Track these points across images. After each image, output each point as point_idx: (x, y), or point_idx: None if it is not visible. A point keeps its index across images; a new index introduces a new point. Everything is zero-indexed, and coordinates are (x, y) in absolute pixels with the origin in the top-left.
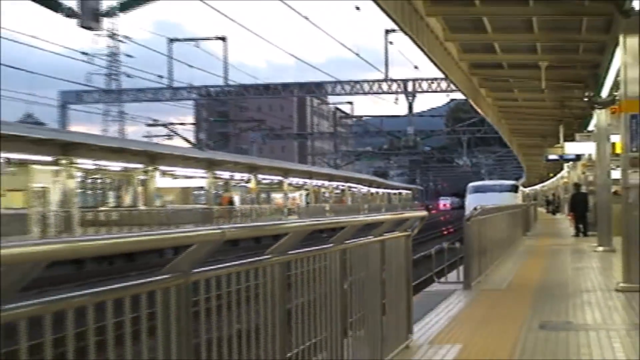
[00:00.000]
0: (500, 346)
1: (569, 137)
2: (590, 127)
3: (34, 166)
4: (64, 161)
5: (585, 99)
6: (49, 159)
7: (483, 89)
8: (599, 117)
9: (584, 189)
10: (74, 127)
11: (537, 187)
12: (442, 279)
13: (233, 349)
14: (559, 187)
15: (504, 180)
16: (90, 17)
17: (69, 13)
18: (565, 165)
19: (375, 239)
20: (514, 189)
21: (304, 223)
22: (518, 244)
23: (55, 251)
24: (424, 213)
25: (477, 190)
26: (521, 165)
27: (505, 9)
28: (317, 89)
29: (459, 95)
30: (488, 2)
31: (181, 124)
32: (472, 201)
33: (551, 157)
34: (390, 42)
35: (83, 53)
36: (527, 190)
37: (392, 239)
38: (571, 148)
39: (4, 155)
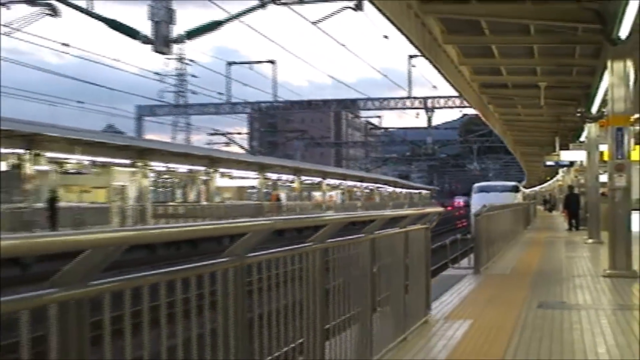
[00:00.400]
0: (505, 321)
1: (564, 147)
2: (582, 138)
3: (115, 168)
4: (139, 164)
5: (578, 114)
6: (127, 161)
7: (491, 105)
8: (590, 130)
9: (576, 191)
10: (148, 136)
11: (537, 188)
12: (456, 265)
13: (280, 323)
14: (555, 188)
15: (506, 181)
16: (162, 43)
17: (145, 40)
18: (560, 170)
19: (400, 230)
20: (515, 189)
21: (340, 216)
22: (520, 236)
23: (131, 237)
24: (440, 209)
25: (482, 190)
26: (523, 169)
27: (510, 38)
28: (351, 104)
29: (470, 111)
30: (496, 33)
31: (237, 133)
32: (476, 200)
33: (548, 163)
34: (413, 65)
35: (156, 73)
36: (527, 191)
37: (414, 231)
38: (566, 156)
39: (91, 158)
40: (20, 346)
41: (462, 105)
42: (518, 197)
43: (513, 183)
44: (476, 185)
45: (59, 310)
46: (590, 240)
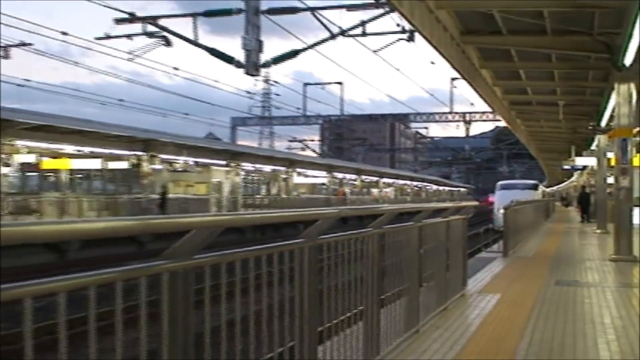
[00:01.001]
0: (527, 296)
1: (578, 154)
2: (593, 147)
3: (213, 167)
4: (232, 164)
5: (590, 127)
6: (223, 162)
7: (518, 119)
8: (600, 140)
9: (587, 190)
10: (240, 142)
11: (555, 187)
12: (488, 249)
13: (345, 295)
14: (570, 188)
15: (527, 180)
16: (252, 67)
17: (238, 64)
18: (575, 173)
19: (442, 220)
20: (535, 187)
21: (394, 207)
22: (541, 226)
23: (226, 221)
24: (475, 203)
25: (504, 187)
26: (544, 172)
27: (535, 64)
28: (403, 118)
29: (501, 123)
30: (523, 60)
31: (311, 140)
32: (499, 197)
33: (565, 167)
34: (455, 86)
35: (247, 92)
36: (548, 189)
37: (454, 221)
38: (579, 161)
39: (195, 159)
40: (139, 307)
41: (495, 119)
42: (538, 194)
43: (533, 182)
44: (499, 183)
45: (169, 279)
46: (598, 231)
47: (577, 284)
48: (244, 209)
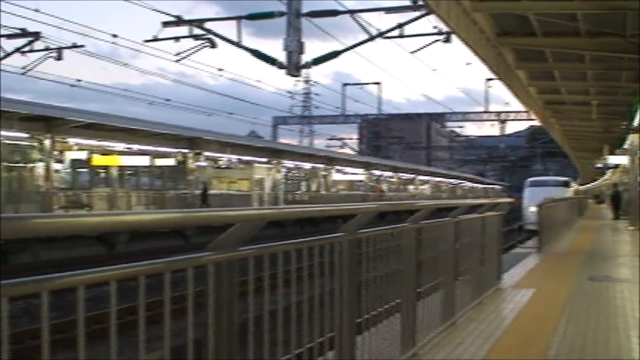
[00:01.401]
0: (561, 290)
1: (611, 152)
2: (625, 146)
3: (255, 164)
4: (274, 161)
5: (623, 127)
6: (264, 159)
7: (552, 118)
8: (632, 139)
9: (620, 188)
10: (281, 140)
11: (588, 185)
12: (523, 245)
13: (383, 288)
14: (603, 185)
15: (558, 176)
16: (293, 69)
17: (280, 65)
18: (608, 171)
19: (478, 215)
20: (566, 184)
21: (430, 203)
22: (575, 223)
23: (269, 214)
24: (509, 200)
25: (534, 184)
26: (578, 170)
27: (569, 65)
28: (439, 117)
29: (536, 123)
30: (557, 60)
31: (349, 138)
32: (529, 194)
33: (598, 165)
34: (490, 86)
35: (288, 92)
36: (581, 187)
37: (490, 216)
38: (612, 159)
39: (238, 157)
40: (187, 298)
41: (529, 118)
42: (569, 192)
43: (564, 178)
44: (529, 179)
45: (215, 269)
46: (631, 228)
47: (610, 279)
48: (285, 205)
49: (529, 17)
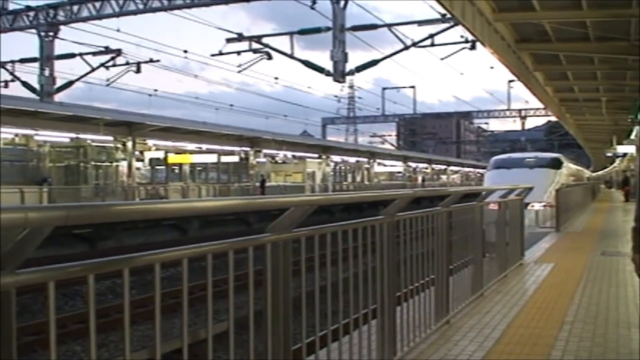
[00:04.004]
0: (577, 264)
1: (619, 142)
2: (632, 137)
3: (308, 160)
4: (323, 156)
5: (629, 120)
6: (315, 155)
7: (567, 113)
8: (637, 131)
9: (628, 174)
10: (329, 138)
11: (600, 172)
12: (542, 225)
13: (419, 265)
14: (613, 172)
15: (540, 153)
16: (339, 76)
17: (328, 73)
18: (617, 159)
19: (501, 200)
20: (554, 164)
21: (459, 189)
22: (589, 205)
23: (319, 200)
24: (528, 186)
25: (500, 165)
26: (590, 159)
27: (580, 66)
28: (467, 115)
29: (553, 118)
30: (570, 63)
31: (389, 135)
32: (492, 179)
33: (608, 154)
34: (511, 87)
35: (335, 96)
36: (593, 174)
37: (512, 200)
38: (620, 149)
39: (292, 153)
40: (248, 276)
41: (547, 114)
42: (559, 176)
43: (551, 155)
44: (494, 159)
45: (272, 249)
46: None
47: (620, 254)
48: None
49: (545, 26)
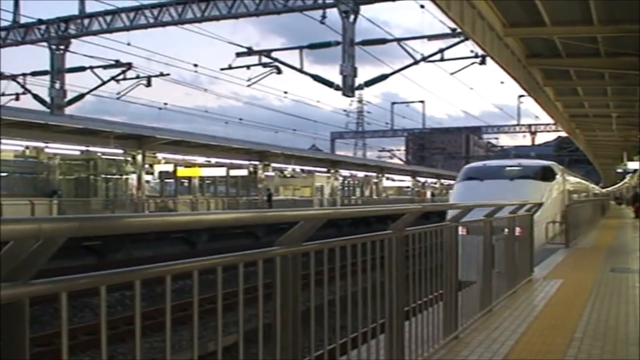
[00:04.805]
0: (587, 280)
1: (630, 159)
2: None
3: (316, 174)
4: (331, 171)
5: (639, 137)
6: (323, 169)
7: (577, 129)
8: None
9: (638, 190)
10: (338, 152)
11: (610, 188)
12: (551, 241)
13: (428, 280)
14: (623, 188)
15: (528, 160)
16: (348, 90)
17: (337, 88)
18: (627, 175)
19: (511, 215)
20: (544, 175)
21: (468, 204)
22: (598, 221)
23: (327, 214)
24: (538, 201)
25: (472, 177)
26: (600, 175)
27: (591, 82)
28: (476, 130)
29: (563, 134)
30: (581, 78)
31: (397, 150)
32: (459, 195)
33: (618, 170)
34: (521, 102)
35: (344, 110)
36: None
37: (521, 216)
38: (630, 165)
39: (300, 167)
40: (257, 288)
41: (557, 130)
42: (552, 190)
43: (541, 163)
44: (465, 167)
45: (281, 262)
46: None
47: (629, 271)
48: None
49: (555, 41)
